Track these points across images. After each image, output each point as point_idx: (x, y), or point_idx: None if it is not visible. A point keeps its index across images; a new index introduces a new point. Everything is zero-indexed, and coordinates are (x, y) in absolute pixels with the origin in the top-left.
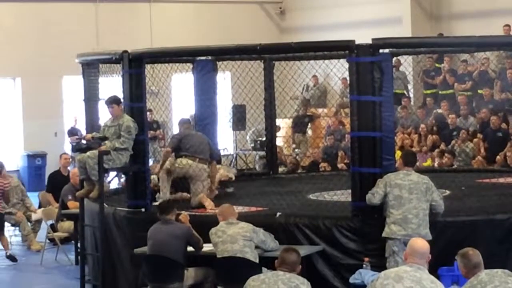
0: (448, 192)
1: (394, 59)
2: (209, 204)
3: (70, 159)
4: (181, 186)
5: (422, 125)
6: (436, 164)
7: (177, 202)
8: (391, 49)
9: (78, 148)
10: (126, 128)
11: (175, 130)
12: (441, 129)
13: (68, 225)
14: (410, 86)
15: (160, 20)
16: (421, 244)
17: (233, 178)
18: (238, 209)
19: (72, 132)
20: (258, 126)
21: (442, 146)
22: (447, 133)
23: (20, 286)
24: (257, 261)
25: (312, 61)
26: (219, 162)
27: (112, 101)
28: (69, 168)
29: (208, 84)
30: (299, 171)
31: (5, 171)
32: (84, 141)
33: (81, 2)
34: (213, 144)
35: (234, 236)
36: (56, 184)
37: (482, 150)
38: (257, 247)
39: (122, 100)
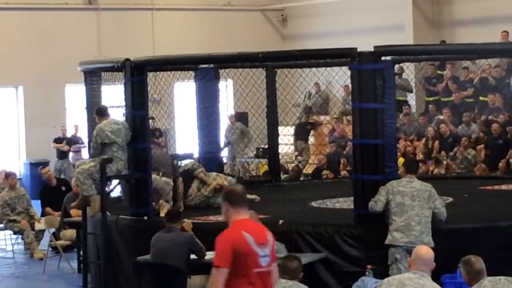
0: (450, 199)
1: (397, 66)
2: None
3: (49, 171)
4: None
5: (430, 129)
6: (435, 171)
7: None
8: (393, 57)
9: None
10: (93, 137)
11: (178, 138)
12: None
13: (71, 233)
14: (412, 94)
15: (162, 28)
16: (426, 251)
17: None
18: None
19: (73, 140)
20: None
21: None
22: (445, 141)
23: None
24: None
25: (314, 69)
26: (221, 170)
27: (95, 112)
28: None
29: (210, 92)
30: (301, 178)
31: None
32: None
33: (83, 11)
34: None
35: None
36: (50, 197)
37: (483, 156)
38: None
39: (103, 111)
